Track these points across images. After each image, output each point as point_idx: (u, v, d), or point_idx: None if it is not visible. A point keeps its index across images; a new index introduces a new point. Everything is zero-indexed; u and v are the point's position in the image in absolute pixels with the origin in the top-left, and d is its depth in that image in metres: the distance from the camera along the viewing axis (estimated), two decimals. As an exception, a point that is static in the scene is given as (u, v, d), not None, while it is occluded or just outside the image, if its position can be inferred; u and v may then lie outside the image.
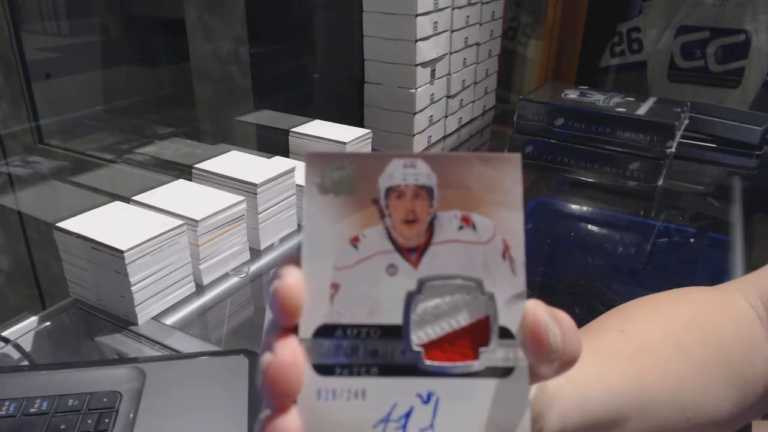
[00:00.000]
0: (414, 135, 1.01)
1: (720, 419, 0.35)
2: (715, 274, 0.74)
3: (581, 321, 0.40)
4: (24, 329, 0.57)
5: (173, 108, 1.40)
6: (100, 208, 0.61)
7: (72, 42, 1.33)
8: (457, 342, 0.21)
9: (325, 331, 0.21)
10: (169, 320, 0.58)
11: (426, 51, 0.97)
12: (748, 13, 1.36)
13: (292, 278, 0.20)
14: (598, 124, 0.95)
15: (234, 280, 0.65)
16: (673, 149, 0.91)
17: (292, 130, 0.86)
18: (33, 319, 0.58)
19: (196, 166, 0.71)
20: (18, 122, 1.20)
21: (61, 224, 0.57)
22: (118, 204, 0.62)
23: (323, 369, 0.21)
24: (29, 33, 1.19)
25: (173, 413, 0.43)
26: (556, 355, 0.21)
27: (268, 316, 0.21)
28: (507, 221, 0.22)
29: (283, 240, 0.73)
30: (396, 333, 0.21)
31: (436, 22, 0.97)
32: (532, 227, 0.87)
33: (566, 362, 0.22)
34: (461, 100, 1.15)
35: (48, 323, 0.58)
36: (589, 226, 0.91)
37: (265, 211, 0.69)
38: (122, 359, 0.52)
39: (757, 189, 0.96)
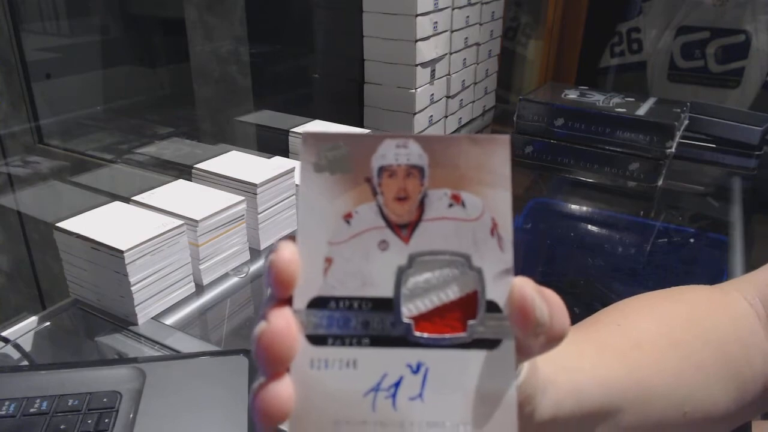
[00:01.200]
0: (414, 135, 1.01)
1: (717, 416, 0.35)
2: (715, 274, 0.74)
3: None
4: (24, 329, 0.57)
5: (173, 108, 1.40)
6: (100, 208, 0.61)
7: (72, 42, 1.33)
8: (447, 315, 0.22)
9: (318, 303, 0.22)
10: (169, 320, 0.58)
11: (426, 51, 0.97)
12: (748, 13, 1.36)
13: (288, 252, 0.21)
14: (598, 124, 0.95)
15: (234, 280, 0.65)
16: (673, 149, 0.91)
17: (292, 130, 0.86)
18: (33, 319, 0.58)
19: (196, 166, 0.71)
20: (18, 122, 1.20)
21: (61, 224, 0.57)
22: (118, 204, 0.62)
23: (316, 339, 0.21)
24: (29, 33, 1.19)
25: (173, 413, 0.43)
26: (542, 329, 0.22)
27: (267, 291, 0.22)
28: (495, 200, 0.22)
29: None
30: (387, 306, 0.22)
31: (436, 22, 0.97)
32: (532, 227, 0.87)
33: (553, 338, 0.22)
34: (461, 100, 1.15)
35: (48, 323, 0.58)
36: (589, 227, 0.91)
37: (264, 211, 0.69)
38: (122, 359, 0.52)
39: (756, 189, 0.96)
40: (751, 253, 0.77)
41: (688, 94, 1.43)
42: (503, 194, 0.22)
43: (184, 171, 0.73)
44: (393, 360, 0.22)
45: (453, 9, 1.02)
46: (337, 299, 0.22)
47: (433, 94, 1.03)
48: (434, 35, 0.98)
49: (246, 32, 1.08)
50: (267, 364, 0.20)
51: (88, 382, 0.45)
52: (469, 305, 0.22)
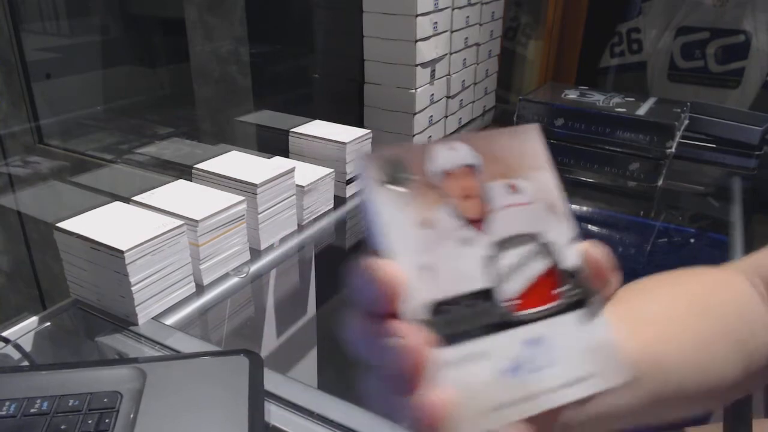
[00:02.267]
0: (414, 135, 1.01)
1: (726, 387, 0.37)
2: (715, 274, 0.74)
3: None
4: (24, 329, 0.57)
5: (173, 108, 1.40)
6: (100, 208, 0.61)
7: (72, 42, 1.33)
8: (537, 290, 0.25)
9: (431, 309, 0.23)
10: (170, 320, 0.58)
11: (426, 51, 0.97)
12: (748, 13, 1.36)
13: (389, 268, 0.22)
14: (598, 124, 0.95)
15: (234, 280, 0.65)
16: (673, 149, 0.91)
17: (292, 130, 0.86)
18: (33, 320, 0.58)
19: (196, 166, 0.71)
20: (18, 122, 1.20)
21: (61, 224, 0.57)
22: (118, 204, 0.62)
23: (442, 341, 0.23)
24: (29, 33, 1.19)
25: (173, 413, 0.43)
26: (613, 277, 0.25)
27: (361, 306, 0.23)
28: (543, 180, 0.26)
29: (283, 240, 0.73)
30: (487, 296, 0.24)
31: (436, 23, 0.97)
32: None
33: (616, 286, 0.26)
34: (461, 100, 1.15)
35: (48, 323, 0.58)
36: (589, 226, 0.91)
37: (265, 211, 0.69)
38: (122, 359, 0.52)
39: (756, 189, 0.96)
40: (751, 253, 0.77)
41: (688, 94, 1.43)
42: (547, 174, 0.26)
43: (184, 171, 0.73)
44: (512, 341, 0.24)
45: (453, 9, 1.02)
46: (444, 302, 0.23)
47: (433, 94, 1.03)
48: (434, 35, 0.98)
49: (246, 32, 1.08)
50: (411, 377, 0.21)
51: (89, 383, 0.45)
52: (552, 276, 0.25)
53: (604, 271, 0.25)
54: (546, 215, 0.25)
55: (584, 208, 0.94)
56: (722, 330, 0.37)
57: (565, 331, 0.25)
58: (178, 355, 0.53)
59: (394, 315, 0.22)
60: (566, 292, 0.25)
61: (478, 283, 0.24)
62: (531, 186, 0.25)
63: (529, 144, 0.26)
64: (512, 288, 0.24)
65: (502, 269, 0.24)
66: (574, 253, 0.25)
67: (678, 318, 0.36)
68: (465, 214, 0.24)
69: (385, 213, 0.23)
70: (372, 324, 0.22)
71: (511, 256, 0.24)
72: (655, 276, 0.40)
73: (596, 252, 0.25)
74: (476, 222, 0.24)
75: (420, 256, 0.23)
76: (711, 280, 0.41)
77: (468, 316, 0.23)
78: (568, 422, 0.26)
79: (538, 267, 0.25)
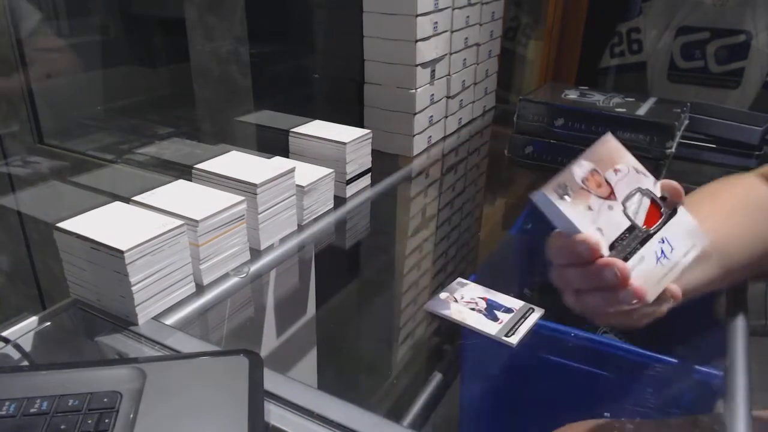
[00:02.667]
0: (414, 135, 1.01)
1: (755, 262, 0.57)
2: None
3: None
4: (24, 329, 0.57)
5: (173, 108, 1.40)
6: (100, 208, 0.61)
7: (72, 42, 1.33)
8: (651, 215, 0.47)
9: (612, 247, 0.45)
10: (170, 320, 0.58)
11: (426, 51, 0.97)
12: (748, 14, 1.36)
13: (589, 236, 0.44)
14: (598, 124, 0.95)
15: (234, 281, 0.65)
16: (673, 149, 0.91)
17: (292, 130, 0.86)
18: (33, 319, 0.58)
19: (196, 166, 0.71)
20: (18, 122, 1.19)
21: (61, 224, 0.57)
22: (118, 204, 0.62)
23: (626, 258, 0.45)
24: (29, 33, 1.19)
25: (173, 413, 0.43)
26: (682, 193, 0.48)
27: (562, 258, 0.46)
28: (628, 160, 0.48)
29: (283, 240, 0.73)
30: (632, 228, 0.46)
31: (436, 23, 0.97)
32: (533, 227, 0.87)
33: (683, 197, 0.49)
34: (461, 100, 1.15)
35: (48, 323, 0.58)
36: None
37: (265, 211, 0.69)
38: (122, 359, 0.52)
39: (757, 189, 0.96)
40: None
41: (688, 94, 1.43)
42: (629, 156, 0.48)
43: (184, 171, 0.73)
44: (653, 244, 0.46)
45: (453, 9, 1.02)
46: (616, 240, 0.45)
47: (433, 95, 1.03)
48: (434, 35, 0.98)
49: (246, 32, 1.08)
50: (625, 280, 0.43)
51: (89, 382, 0.45)
52: (655, 204, 0.48)
53: (677, 192, 0.48)
54: (638, 176, 0.48)
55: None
56: (749, 221, 0.58)
57: (673, 229, 0.47)
58: (177, 355, 0.53)
59: (596, 258, 0.44)
60: (664, 210, 0.48)
61: (625, 225, 0.46)
62: (624, 166, 0.47)
63: (608, 145, 0.47)
64: (641, 219, 0.46)
65: (632, 212, 0.46)
66: (658, 188, 0.48)
67: (722, 214, 0.57)
68: (603, 195, 0.45)
69: (569, 212, 0.44)
70: (586, 267, 0.44)
71: (633, 203, 0.46)
72: (694, 193, 0.62)
73: (669, 183, 0.48)
74: (610, 196, 0.45)
75: (594, 225, 0.44)
76: (736, 183, 0.63)
77: (629, 243, 0.45)
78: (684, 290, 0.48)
79: (646, 203, 0.47)
